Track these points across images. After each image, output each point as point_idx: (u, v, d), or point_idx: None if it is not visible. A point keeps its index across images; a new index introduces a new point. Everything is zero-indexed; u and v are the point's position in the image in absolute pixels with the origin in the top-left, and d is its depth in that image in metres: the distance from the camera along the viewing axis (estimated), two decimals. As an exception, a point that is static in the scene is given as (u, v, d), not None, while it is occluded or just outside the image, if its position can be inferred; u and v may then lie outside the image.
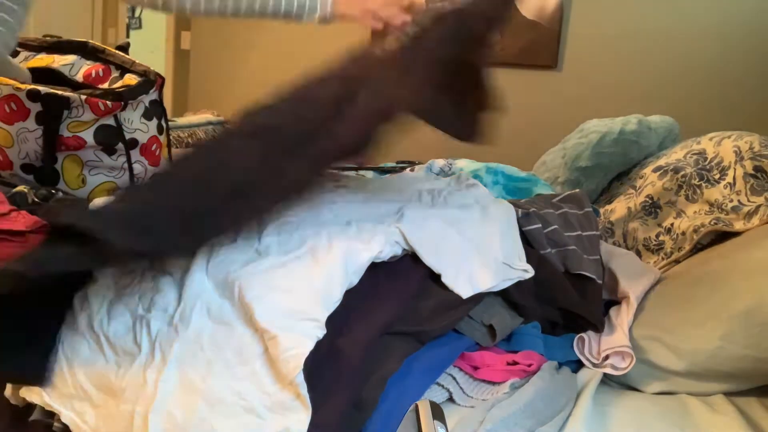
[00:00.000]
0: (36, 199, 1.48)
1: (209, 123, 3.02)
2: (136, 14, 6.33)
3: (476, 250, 1.02)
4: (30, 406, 0.87)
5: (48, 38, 1.69)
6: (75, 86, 1.60)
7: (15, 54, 1.66)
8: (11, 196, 1.43)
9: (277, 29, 3.86)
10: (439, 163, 1.71)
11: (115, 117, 1.54)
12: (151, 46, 5.93)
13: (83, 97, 1.49)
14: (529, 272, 1.02)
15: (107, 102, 1.50)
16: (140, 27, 6.35)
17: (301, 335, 0.78)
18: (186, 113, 3.37)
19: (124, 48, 1.72)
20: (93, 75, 1.62)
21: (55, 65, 1.62)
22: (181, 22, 4.24)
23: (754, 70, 2.80)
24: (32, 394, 0.83)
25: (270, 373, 0.76)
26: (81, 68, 1.63)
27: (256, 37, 3.94)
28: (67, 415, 0.80)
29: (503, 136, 3.63)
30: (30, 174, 1.57)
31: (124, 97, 1.52)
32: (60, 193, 1.51)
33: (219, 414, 0.74)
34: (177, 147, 2.73)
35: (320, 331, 0.80)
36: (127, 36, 5.44)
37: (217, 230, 0.86)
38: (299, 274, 0.88)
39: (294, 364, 0.74)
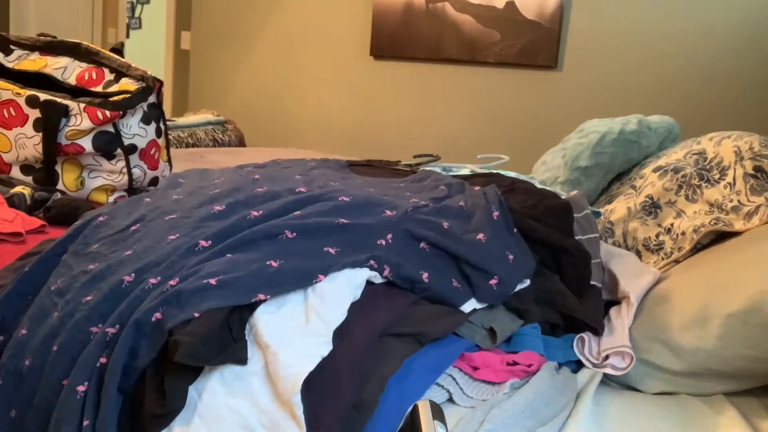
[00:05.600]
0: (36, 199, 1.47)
1: (209, 123, 3.03)
2: (136, 14, 6.33)
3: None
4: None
5: (42, 37, 1.68)
6: (69, 90, 1.59)
7: (9, 52, 1.66)
8: (9, 198, 1.43)
9: (277, 29, 3.86)
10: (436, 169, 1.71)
11: (114, 124, 1.54)
12: (151, 46, 5.94)
13: (82, 105, 1.49)
14: (525, 282, 1.02)
15: (106, 111, 1.49)
16: (140, 27, 6.36)
17: (302, 355, 0.78)
18: (186, 113, 3.37)
19: (119, 50, 1.72)
20: (86, 77, 1.62)
21: (47, 70, 1.61)
22: (181, 22, 4.24)
23: (755, 70, 2.80)
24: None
25: (268, 390, 0.76)
26: (74, 71, 1.63)
27: (255, 37, 3.94)
28: None
29: (504, 136, 3.64)
30: (29, 175, 1.57)
31: (122, 107, 1.52)
32: (58, 194, 1.51)
33: (214, 430, 0.74)
34: (177, 147, 2.74)
35: (326, 348, 0.80)
36: (127, 36, 5.44)
37: None
38: (305, 291, 0.88)
39: (293, 383, 0.74)
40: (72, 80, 1.61)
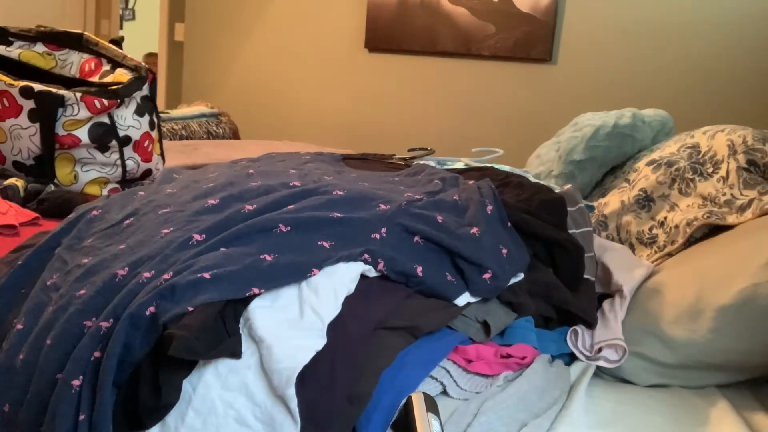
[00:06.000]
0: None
1: (203, 115, 3.01)
2: (130, 5, 6.30)
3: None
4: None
5: (42, 28, 1.68)
6: (62, 81, 1.60)
7: (9, 44, 1.65)
8: (3, 189, 1.42)
9: (272, 20, 3.84)
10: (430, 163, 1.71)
11: (109, 115, 1.54)
12: (144, 37, 5.91)
13: (78, 95, 1.49)
14: (518, 276, 1.03)
15: (103, 100, 1.49)
16: (134, 18, 6.32)
17: (297, 349, 0.78)
18: (180, 105, 3.36)
19: (118, 42, 1.72)
20: (86, 69, 1.63)
21: (57, 71, 1.63)
22: (174, 14, 4.21)
23: (749, 64, 2.81)
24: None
25: (262, 383, 0.76)
26: (79, 63, 1.65)
27: (250, 28, 3.92)
28: None
29: (498, 130, 3.63)
30: (24, 168, 1.56)
31: (120, 95, 1.52)
32: (51, 186, 1.50)
33: (209, 424, 0.74)
34: (171, 139, 2.72)
35: (320, 342, 0.80)
36: (121, 27, 5.41)
37: None
38: (299, 285, 0.88)
39: (287, 376, 0.74)
40: (75, 72, 1.63)
